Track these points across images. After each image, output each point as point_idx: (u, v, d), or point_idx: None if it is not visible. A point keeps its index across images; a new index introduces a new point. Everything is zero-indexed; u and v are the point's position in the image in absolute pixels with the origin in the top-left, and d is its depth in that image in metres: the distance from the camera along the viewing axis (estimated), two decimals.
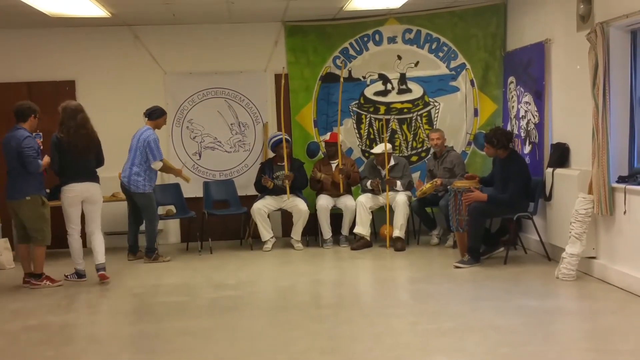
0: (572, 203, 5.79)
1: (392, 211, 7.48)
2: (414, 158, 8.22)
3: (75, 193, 6.13)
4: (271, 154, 7.91)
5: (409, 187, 7.65)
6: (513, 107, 7.57)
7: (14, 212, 6.15)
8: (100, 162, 6.28)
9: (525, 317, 4.83)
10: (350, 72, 8.19)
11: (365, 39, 8.17)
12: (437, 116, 8.18)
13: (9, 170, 6.05)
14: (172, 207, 7.85)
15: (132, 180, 6.98)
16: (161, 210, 7.56)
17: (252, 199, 7.81)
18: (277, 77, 8.17)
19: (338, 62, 8.17)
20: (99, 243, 6.23)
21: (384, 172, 7.61)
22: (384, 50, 8.17)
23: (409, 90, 8.20)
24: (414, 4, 7.50)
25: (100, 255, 6.23)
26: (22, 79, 7.97)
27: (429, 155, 7.98)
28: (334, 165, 7.83)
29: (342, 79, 8.09)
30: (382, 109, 8.21)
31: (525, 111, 7.18)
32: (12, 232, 7.42)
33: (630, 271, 5.33)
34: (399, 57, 8.17)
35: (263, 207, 7.61)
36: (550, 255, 6.55)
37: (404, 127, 8.23)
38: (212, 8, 7.26)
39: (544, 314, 4.94)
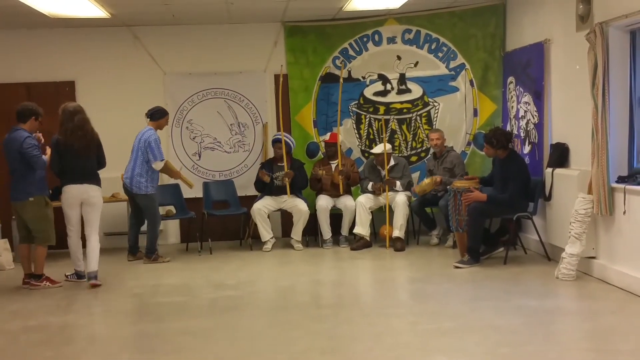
0: (572, 203, 5.79)
1: (391, 211, 7.48)
2: (414, 158, 8.23)
3: (72, 194, 6.10)
4: (271, 154, 7.92)
5: (408, 187, 7.65)
6: (512, 107, 7.57)
7: (17, 213, 6.16)
8: (101, 163, 6.25)
9: (525, 317, 4.84)
10: (349, 72, 8.19)
11: (365, 39, 8.17)
12: (437, 116, 8.19)
13: (11, 172, 6.05)
14: (172, 208, 7.85)
15: (134, 182, 6.98)
16: (161, 210, 7.55)
17: (252, 200, 7.82)
18: (277, 78, 8.17)
19: (337, 62, 8.18)
20: (92, 249, 6.11)
21: (384, 173, 7.61)
22: (383, 50, 8.18)
23: (408, 91, 8.21)
24: (413, 5, 7.51)
25: (92, 263, 6.12)
26: (21, 80, 7.97)
27: (429, 156, 7.99)
28: (333, 166, 7.83)
29: (341, 79, 8.09)
30: (382, 109, 8.22)
31: (525, 111, 7.18)
32: (12, 233, 7.46)
33: (630, 271, 5.33)
34: (399, 58, 8.17)
35: (263, 208, 7.61)
36: (550, 255, 6.55)
37: (404, 127, 8.24)
38: (211, 8, 7.26)
39: (544, 314, 4.94)
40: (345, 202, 7.67)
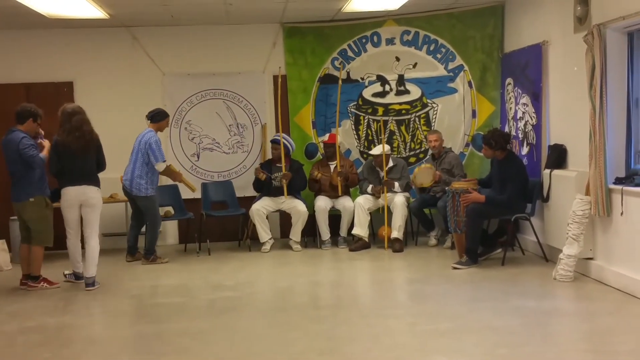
0: (570, 204, 5.80)
1: (390, 212, 7.49)
2: (412, 159, 8.23)
3: (71, 196, 6.07)
4: (270, 155, 7.92)
5: (407, 188, 7.65)
6: (511, 108, 7.58)
7: (18, 213, 6.17)
8: (100, 165, 6.22)
9: (523, 318, 4.85)
10: (348, 73, 8.20)
11: (364, 40, 8.18)
12: (435, 117, 8.20)
13: (11, 174, 6.06)
14: (170, 209, 7.85)
15: (134, 184, 6.97)
16: (160, 211, 7.55)
17: (251, 200, 7.82)
18: (275, 79, 8.18)
19: (336, 63, 8.18)
20: (91, 252, 6.06)
21: (383, 174, 7.62)
22: (382, 51, 8.19)
23: (407, 92, 8.22)
24: (412, 6, 7.51)
25: (90, 268, 6.07)
26: (20, 80, 7.97)
27: (428, 156, 8.00)
28: (332, 167, 7.84)
29: (340, 81, 8.10)
30: (381, 110, 8.22)
31: (523, 112, 7.19)
32: (10, 233, 7.47)
33: (627, 272, 5.34)
34: (397, 59, 8.18)
35: (261, 208, 7.61)
36: (547, 256, 6.56)
37: (402, 128, 8.24)
38: (210, 9, 7.27)
39: (542, 315, 4.95)
40: (344, 203, 7.67)
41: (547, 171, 6.48)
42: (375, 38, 8.18)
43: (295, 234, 7.66)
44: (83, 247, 6.26)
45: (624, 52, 5.59)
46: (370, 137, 8.25)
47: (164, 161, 7.01)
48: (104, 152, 6.24)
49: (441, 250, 7.45)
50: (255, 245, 7.76)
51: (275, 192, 7.67)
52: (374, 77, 8.22)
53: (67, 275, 6.39)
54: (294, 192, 7.71)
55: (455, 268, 6.40)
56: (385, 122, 8.17)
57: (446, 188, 6.93)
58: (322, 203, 7.68)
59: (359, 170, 7.97)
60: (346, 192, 7.83)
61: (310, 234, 7.92)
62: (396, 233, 7.39)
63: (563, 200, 6.12)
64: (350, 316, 5.09)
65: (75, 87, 8.07)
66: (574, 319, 4.96)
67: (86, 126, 6.06)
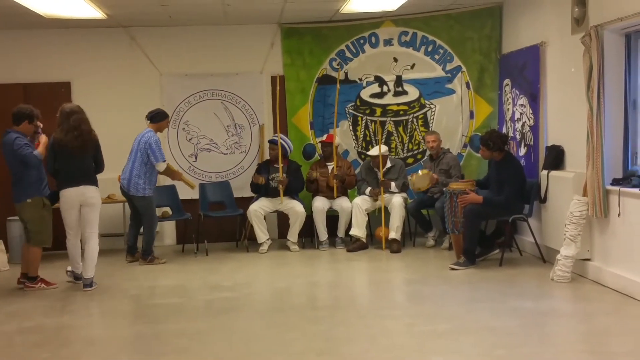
0: (567, 205, 5.81)
1: (388, 213, 7.49)
2: (410, 160, 8.24)
3: (70, 197, 6.05)
4: (268, 156, 7.92)
5: (404, 188, 7.66)
6: (508, 109, 7.59)
7: (19, 214, 6.18)
8: (99, 165, 6.20)
9: (521, 318, 4.85)
10: (346, 74, 8.20)
11: (362, 41, 8.19)
12: (433, 118, 8.20)
13: (12, 174, 6.06)
14: (168, 209, 7.85)
15: (132, 183, 6.96)
16: (157, 212, 7.55)
17: (248, 201, 7.82)
18: (273, 79, 8.18)
19: (334, 64, 8.19)
20: (90, 253, 6.05)
21: (380, 174, 7.62)
22: (380, 52, 8.19)
23: (405, 93, 8.22)
24: (410, 7, 7.52)
25: (89, 269, 6.06)
26: (17, 80, 7.96)
27: (425, 157, 8.00)
28: (330, 168, 7.84)
29: (338, 81, 8.10)
30: (378, 111, 8.23)
31: (521, 113, 7.20)
32: (7, 234, 7.47)
33: (625, 273, 5.35)
34: (395, 60, 8.19)
35: (259, 209, 7.61)
36: (545, 257, 6.57)
37: (400, 129, 8.25)
38: (208, 10, 7.26)
39: (539, 316, 4.96)
40: (342, 203, 7.68)
41: (545, 172, 6.49)
42: (373, 39, 8.19)
43: (293, 234, 7.66)
44: (82, 248, 6.26)
45: (621, 54, 5.61)
46: (368, 138, 8.25)
47: (164, 161, 7.01)
48: (102, 153, 6.22)
49: (439, 251, 7.46)
50: (252, 246, 7.76)
51: (273, 193, 7.67)
52: (372, 78, 8.23)
53: (69, 272, 6.38)
54: (291, 193, 7.71)
55: (452, 269, 6.41)
56: (383, 123, 8.18)
57: (444, 189, 6.94)
58: (320, 204, 7.68)
59: (357, 171, 7.98)
60: (344, 193, 7.83)
61: (308, 235, 7.92)
62: (394, 234, 7.39)
63: (560, 201, 6.13)
64: (347, 317, 5.09)
65: (73, 88, 8.06)
66: (572, 320, 4.97)
67: (84, 125, 6.02)
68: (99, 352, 4.52)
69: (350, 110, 8.25)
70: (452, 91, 8.18)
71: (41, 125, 6.15)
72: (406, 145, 8.27)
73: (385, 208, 7.53)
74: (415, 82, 8.20)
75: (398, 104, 8.23)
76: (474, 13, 7.95)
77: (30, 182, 6.00)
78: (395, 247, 7.37)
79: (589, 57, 5.54)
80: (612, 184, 5.53)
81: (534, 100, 6.87)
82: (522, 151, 7.19)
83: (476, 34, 8.00)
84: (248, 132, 8.31)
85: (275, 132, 8.04)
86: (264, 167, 7.79)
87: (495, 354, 4.14)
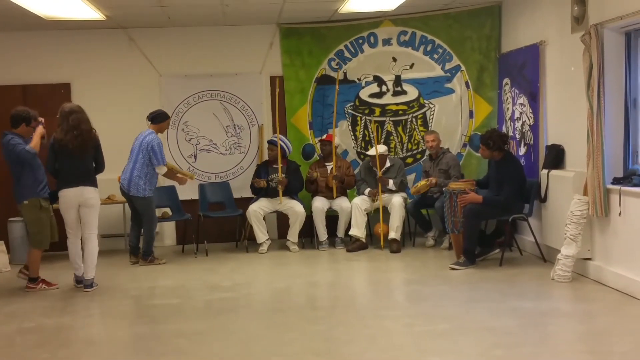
0: (567, 204, 5.80)
1: (387, 212, 7.49)
2: (409, 160, 8.23)
3: (69, 197, 6.04)
4: (267, 156, 7.91)
5: (402, 187, 7.65)
6: (508, 108, 7.58)
7: (22, 215, 6.22)
8: (99, 165, 6.19)
9: (521, 318, 4.84)
10: (345, 74, 8.20)
11: (360, 41, 8.18)
12: (432, 118, 8.20)
13: (12, 175, 6.07)
14: (168, 210, 7.85)
15: (132, 184, 6.94)
16: (157, 212, 7.55)
17: (248, 201, 7.81)
18: (272, 80, 8.17)
19: (333, 64, 8.18)
20: (90, 254, 6.05)
21: (378, 174, 7.61)
22: (379, 52, 8.18)
23: (404, 92, 8.22)
24: (408, 6, 7.51)
25: (89, 270, 6.06)
26: (17, 82, 7.96)
27: (425, 157, 8.00)
28: (329, 168, 7.83)
29: (337, 81, 8.09)
30: (378, 111, 8.22)
31: (520, 113, 7.19)
32: (8, 235, 7.48)
33: (626, 272, 5.34)
34: (394, 59, 8.18)
35: (259, 209, 7.60)
36: (545, 256, 6.56)
37: (399, 129, 8.24)
38: (207, 10, 7.26)
39: (539, 316, 4.94)
40: (341, 204, 7.67)
41: (545, 171, 6.48)
42: (372, 39, 8.18)
43: (293, 234, 7.65)
44: (82, 248, 6.25)
45: (621, 52, 5.60)
46: (367, 138, 8.24)
47: (165, 164, 7.01)
48: (102, 153, 6.21)
49: (438, 251, 7.45)
50: (252, 246, 7.75)
51: (273, 194, 7.67)
52: (371, 78, 8.22)
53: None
54: (290, 193, 7.71)
55: (452, 269, 6.40)
56: (382, 123, 8.17)
57: (444, 189, 6.93)
58: (320, 204, 7.67)
59: (356, 171, 7.97)
60: (343, 193, 7.83)
61: (308, 235, 7.92)
62: (393, 234, 7.39)
63: (561, 200, 6.12)
64: (347, 317, 5.09)
65: (73, 89, 8.06)
66: (572, 320, 4.96)
67: (84, 125, 5.99)
68: (98, 353, 4.53)
69: (349, 110, 8.24)
70: (452, 91, 8.17)
71: (42, 120, 6.13)
72: (405, 145, 8.26)
73: (385, 207, 7.52)
74: (414, 82, 8.19)
75: (397, 104, 8.22)
76: (473, 12, 7.95)
77: (26, 184, 6.00)
78: (394, 247, 7.36)
79: (589, 56, 5.53)
80: (612, 183, 5.52)
81: (534, 99, 6.86)
82: (522, 150, 7.18)
83: (475, 33, 7.99)
84: (247, 132, 8.31)
85: (274, 132, 8.03)
86: (263, 168, 7.79)
87: (495, 354, 4.13)
